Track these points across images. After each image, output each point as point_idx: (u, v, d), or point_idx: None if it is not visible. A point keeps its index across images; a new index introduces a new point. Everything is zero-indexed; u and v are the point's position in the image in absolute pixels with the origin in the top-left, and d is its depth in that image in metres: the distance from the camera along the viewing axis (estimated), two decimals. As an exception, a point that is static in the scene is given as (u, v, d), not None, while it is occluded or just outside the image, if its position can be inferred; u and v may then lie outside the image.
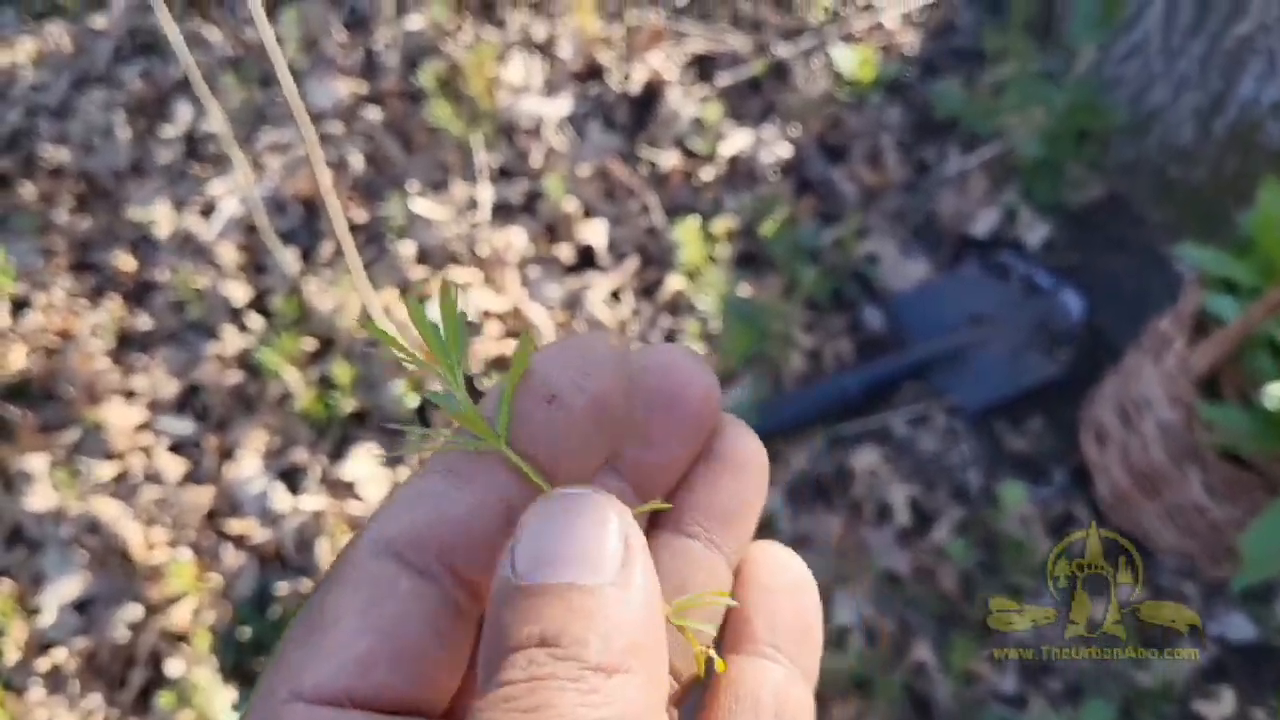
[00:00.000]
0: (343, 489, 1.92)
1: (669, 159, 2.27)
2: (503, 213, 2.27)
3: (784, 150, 2.26)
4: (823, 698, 1.72)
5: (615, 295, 2.15)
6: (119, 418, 2.00)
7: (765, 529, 1.84)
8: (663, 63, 2.43)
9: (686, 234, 2.07)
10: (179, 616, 1.82)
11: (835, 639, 1.74)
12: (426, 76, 2.37)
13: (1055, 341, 2.00)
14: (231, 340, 2.08)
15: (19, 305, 2.19)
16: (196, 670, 1.76)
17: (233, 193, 2.29)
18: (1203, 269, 1.61)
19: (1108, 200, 2.14)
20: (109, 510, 1.90)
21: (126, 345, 2.13)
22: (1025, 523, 1.84)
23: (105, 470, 1.96)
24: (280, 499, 1.91)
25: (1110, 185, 2.15)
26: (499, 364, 2.05)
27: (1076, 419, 1.91)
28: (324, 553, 1.84)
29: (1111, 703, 1.67)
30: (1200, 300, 1.60)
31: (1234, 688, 1.71)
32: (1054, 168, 2.10)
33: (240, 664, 1.79)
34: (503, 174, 2.32)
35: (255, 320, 2.12)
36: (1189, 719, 1.70)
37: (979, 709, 1.69)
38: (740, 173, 2.24)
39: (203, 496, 1.92)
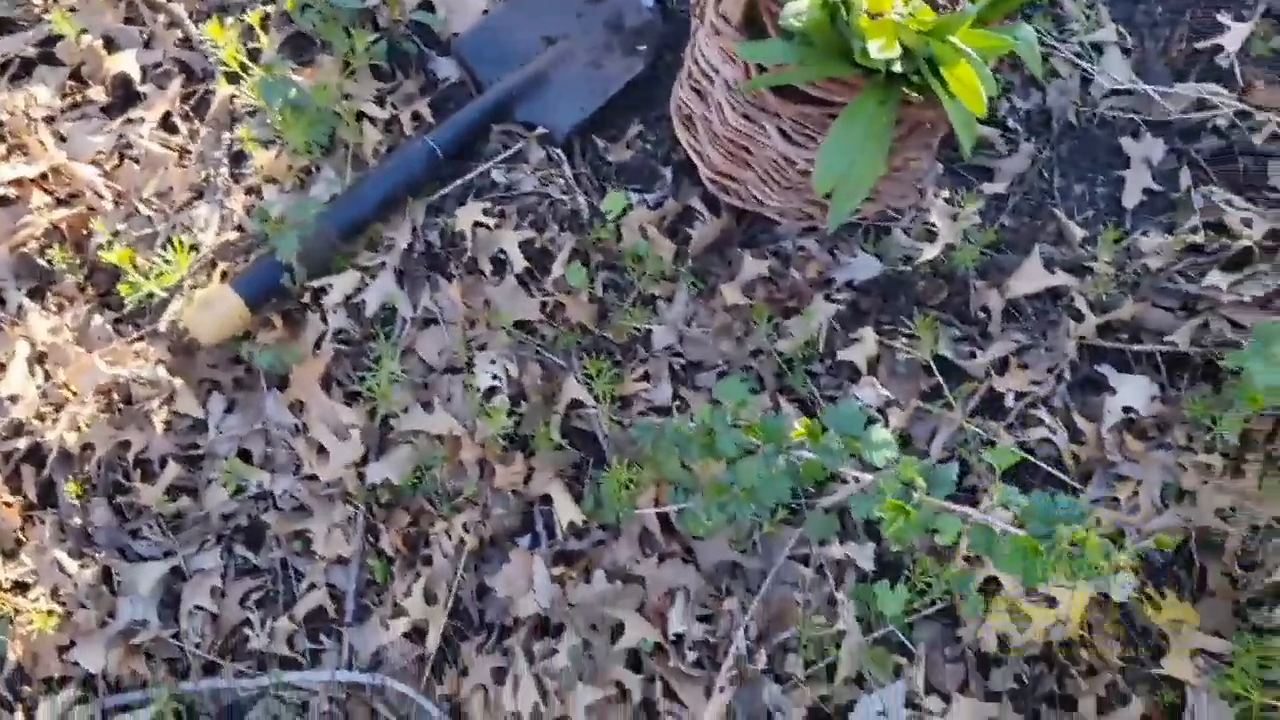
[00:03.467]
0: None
1: (182, -43, 1.98)
2: (19, 70, 1.95)
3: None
4: (485, 464, 1.64)
5: (167, 124, 1.90)
6: None
7: (386, 322, 1.71)
8: None
9: (217, 33, 1.83)
10: None
11: (483, 404, 1.65)
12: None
13: (633, 38, 1.88)
14: None
15: None
16: None
17: None
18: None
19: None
20: None
21: None
22: (644, 231, 1.76)
23: None
24: None
25: None
26: (59, 235, 1.80)
27: (668, 112, 1.82)
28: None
29: (745, 380, 1.65)
30: (719, -60, 1.50)
31: (872, 325, 1.71)
32: None
33: None
34: (4, 29, 1.99)
35: None
36: (840, 369, 1.70)
37: (639, 427, 1.64)
38: (262, -49, 1.98)
39: None
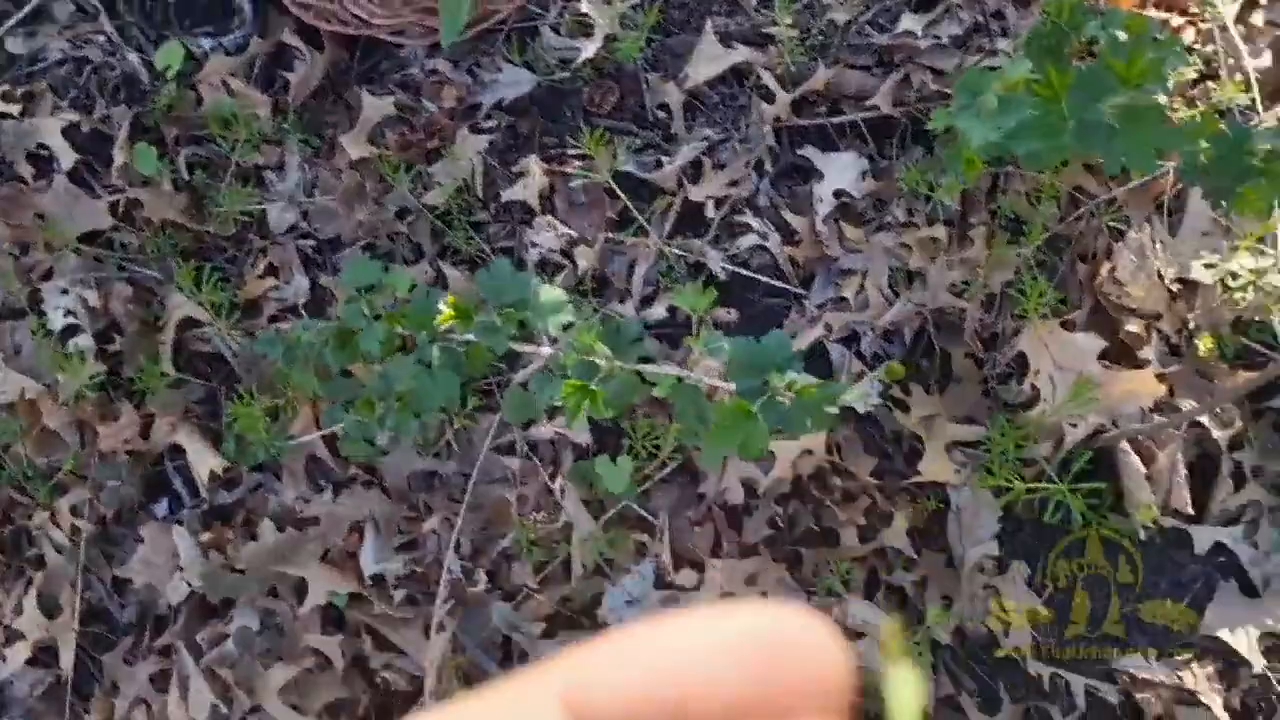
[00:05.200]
0: None
1: None
2: None
3: None
4: (84, 426, 1.27)
5: None
6: None
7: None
8: None
9: None
10: None
11: (62, 350, 1.26)
12: None
13: None
14: None
15: None
16: None
17: None
18: None
19: None
20: None
21: None
22: (228, 85, 1.37)
23: None
24: None
25: None
26: None
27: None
28: None
29: (379, 256, 1.33)
30: None
31: (536, 152, 1.41)
32: None
33: None
34: None
35: None
36: (509, 212, 1.39)
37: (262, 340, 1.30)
38: None
39: None
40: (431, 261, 1.35)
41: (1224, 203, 1.08)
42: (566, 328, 1.04)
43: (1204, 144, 1.06)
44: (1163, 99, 1.23)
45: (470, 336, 1.06)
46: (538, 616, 1.29)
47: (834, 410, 0.89)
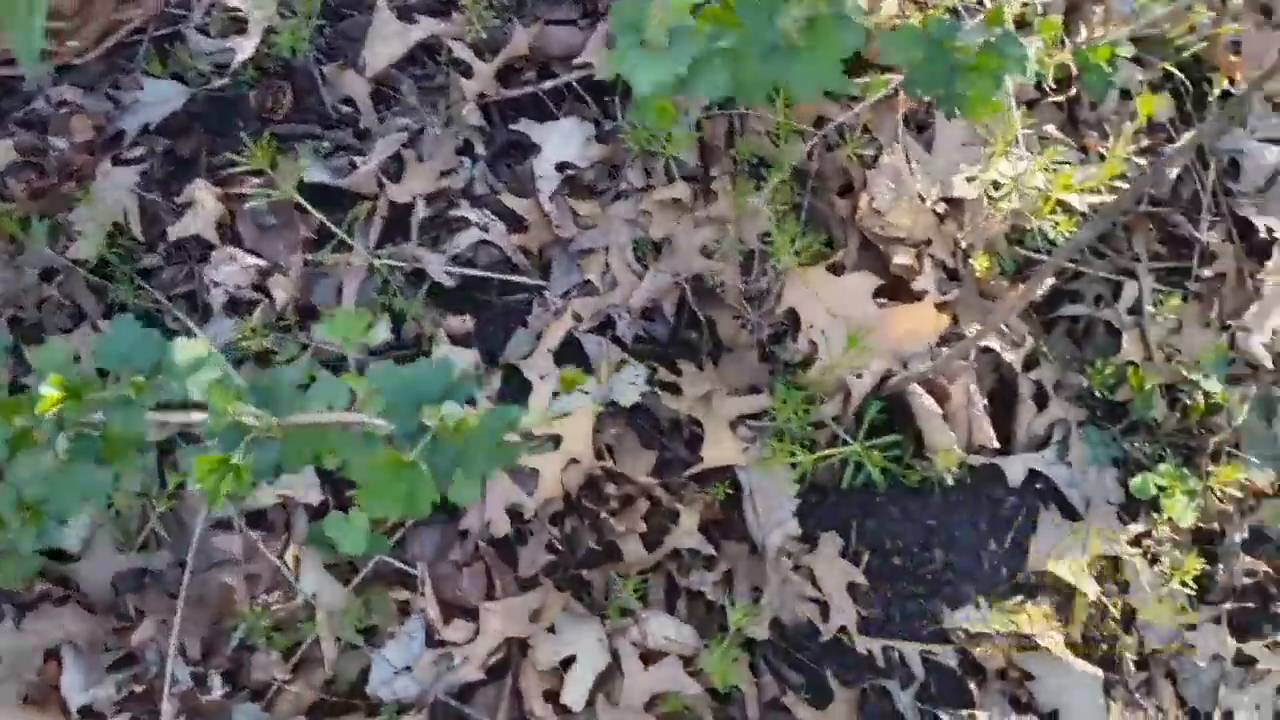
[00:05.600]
0: None
1: None
2: None
3: None
4: None
5: None
6: None
7: None
8: None
9: None
10: None
11: None
12: None
13: None
14: None
15: None
16: None
17: None
18: None
19: None
20: None
21: None
22: None
23: None
24: None
25: None
26: None
27: None
28: None
29: None
30: None
31: (203, 175, 1.21)
32: None
33: None
34: None
35: None
36: (184, 251, 1.19)
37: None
38: None
39: None
40: (95, 325, 1.14)
41: (957, 109, 0.97)
42: (214, 386, 0.85)
43: (914, 49, 0.94)
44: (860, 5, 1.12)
45: (99, 417, 0.86)
46: (297, 710, 1.11)
47: (518, 440, 0.73)
